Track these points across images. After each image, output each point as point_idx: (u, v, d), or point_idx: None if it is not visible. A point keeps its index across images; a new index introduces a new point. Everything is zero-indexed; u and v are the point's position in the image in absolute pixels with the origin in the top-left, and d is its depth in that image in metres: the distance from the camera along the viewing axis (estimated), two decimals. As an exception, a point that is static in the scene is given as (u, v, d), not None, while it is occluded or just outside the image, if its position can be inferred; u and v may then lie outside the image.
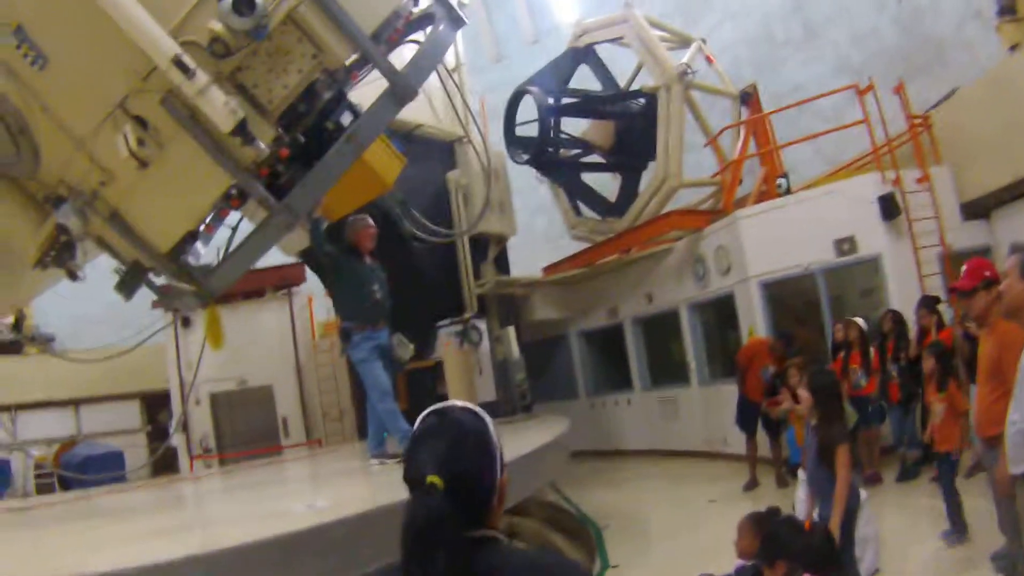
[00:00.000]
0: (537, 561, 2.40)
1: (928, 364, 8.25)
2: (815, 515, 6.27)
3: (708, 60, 16.99)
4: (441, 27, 7.67)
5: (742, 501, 10.94)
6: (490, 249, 15.43)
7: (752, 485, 12.03)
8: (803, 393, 7.28)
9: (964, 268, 5.73)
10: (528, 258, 18.76)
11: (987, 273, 5.47)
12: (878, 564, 7.19)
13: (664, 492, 13.48)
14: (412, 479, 2.15)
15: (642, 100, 16.36)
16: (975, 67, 14.93)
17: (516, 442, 8.47)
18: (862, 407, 10.57)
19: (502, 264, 16.01)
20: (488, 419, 2.29)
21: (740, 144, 15.79)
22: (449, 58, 10.81)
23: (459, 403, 2.35)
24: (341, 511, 5.50)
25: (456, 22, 7.84)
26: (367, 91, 7.71)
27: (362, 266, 8.89)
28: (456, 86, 10.73)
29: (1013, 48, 12.62)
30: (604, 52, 17.74)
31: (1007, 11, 13.33)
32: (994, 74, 13.35)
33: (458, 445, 2.21)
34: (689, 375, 15.81)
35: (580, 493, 12.02)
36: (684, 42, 16.92)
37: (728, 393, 13.52)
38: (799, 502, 7.17)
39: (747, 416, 12.47)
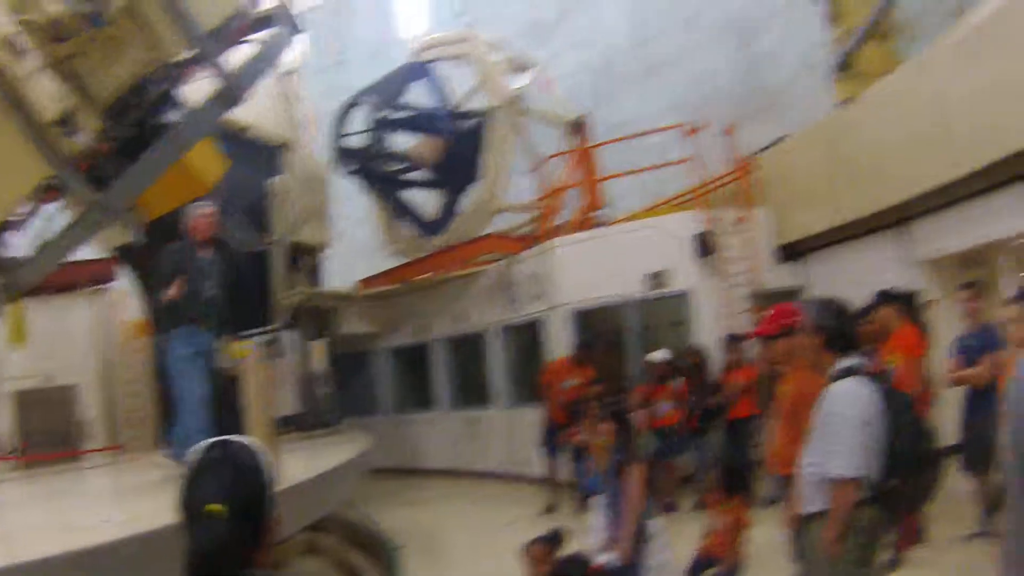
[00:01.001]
0: None
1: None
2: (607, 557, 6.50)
3: (546, 86, 17.42)
4: (278, 32, 7.74)
5: (540, 524, 11.27)
6: (304, 259, 15.50)
7: (551, 508, 12.42)
8: (604, 425, 7.59)
9: (769, 313, 6.09)
10: (347, 268, 18.97)
11: (787, 320, 5.72)
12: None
13: (464, 513, 13.75)
14: (192, 507, 2.22)
15: (473, 121, 16.66)
16: (806, 117, 15.77)
17: (317, 458, 8.53)
18: (664, 437, 11.35)
19: (316, 275, 16.05)
20: (266, 457, 2.41)
21: (564, 173, 16.41)
22: (287, 61, 10.81)
23: (241, 438, 2.45)
24: (136, 526, 5.41)
25: (294, 28, 7.93)
26: (198, 89, 7.72)
27: (193, 258, 8.46)
28: (289, 91, 10.73)
29: (845, 102, 13.42)
30: (443, 69, 17.88)
31: (843, 67, 14.16)
32: (823, 125, 14.19)
33: (243, 476, 2.30)
34: (494, 397, 16.21)
35: (381, 511, 12.14)
36: (523, 67, 17.37)
37: (531, 416, 13.93)
38: (594, 529, 7.37)
39: (551, 438, 12.81)
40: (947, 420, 8.76)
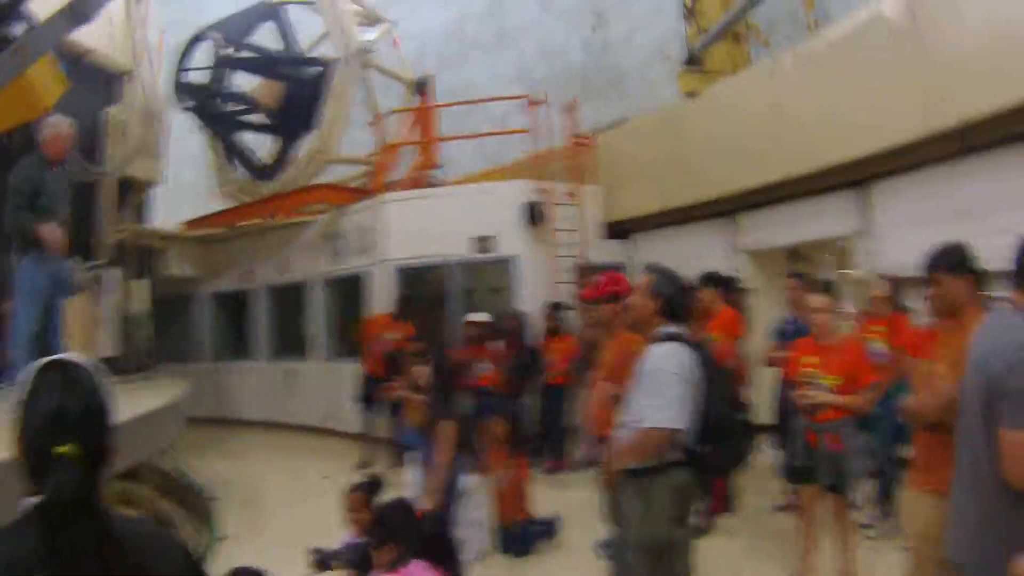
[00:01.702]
0: (136, 529, 2.29)
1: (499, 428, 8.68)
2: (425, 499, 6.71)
3: (394, 43, 17.48)
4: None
5: (356, 477, 11.39)
6: (132, 195, 15.13)
7: (367, 463, 12.51)
8: (420, 369, 7.79)
9: (599, 279, 6.43)
10: (173, 208, 18.51)
11: (615, 287, 6.13)
12: (485, 547, 7.95)
13: (280, 465, 13.68)
14: (40, 448, 2.05)
15: (317, 69, 16.54)
16: (650, 101, 16.26)
17: (132, 402, 8.39)
18: (481, 397, 11.27)
19: (143, 212, 15.79)
20: (102, 375, 2.25)
21: (402, 130, 16.58)
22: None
23: (77, 358, 2.25)
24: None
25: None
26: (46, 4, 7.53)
27: (48, 177, 8.06)
28: (137, 17, 10.43)
29: (689, 95, 13.85)
30: (294, 13, 17.74)
31: (693, 61, 14.62)
32: (664, 113, 14.78)
33: (88, 404, 2.14)
34: (313, 349, 16.21)
35: (197, 461, 12.06)
36: (374, 21, 17.40)
37: (349, 370, 14.02)
38: (409, 484, 7.67)
39: (368, 392, 12.90)
40: (761, 399, 9.50)
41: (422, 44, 20.74)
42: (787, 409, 8.29)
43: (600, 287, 6.24)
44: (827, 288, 7.12)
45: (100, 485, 2.11)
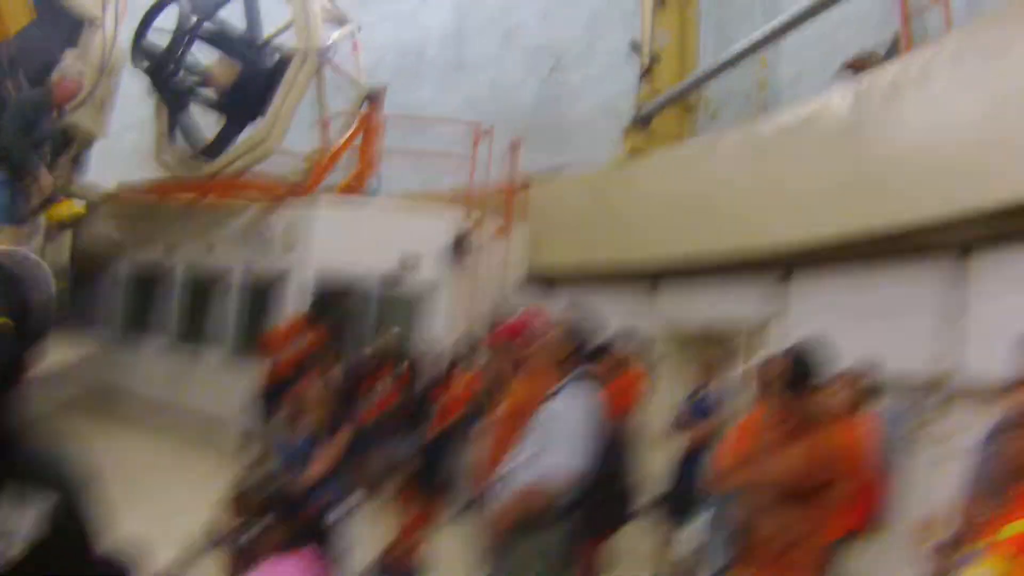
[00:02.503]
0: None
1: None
2: None
3: (354, 47, 17.55)
4: None
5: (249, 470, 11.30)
6: (71, 146, 14.81)
7: (262, 460, 12.21)
8: (330, 375, 7.83)
9: (513, 319, 6.38)
10: (107, 168, 17.87)
11: (530, 327, 6.01)
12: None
13: (174, 449, 13.74)
14: None
15: (276, 56, 16.54)
16: (593, 155, 16.50)
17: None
18: (378, 420, 11.22)
19: (79, 166, 15.56)
20: (46, 271, 2.29)
21: (348, 135, 16.52)
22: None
23: (21, 250, 2.30)
24: None
25: None
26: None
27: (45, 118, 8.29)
28: None
29: (632, 153, 14.14)
30: None
31: (641, 121, 14.92)
32: (603, 171, 15.12)
33: (28, 289, 2.17)
34: (221, 340, 16.01)
35: (86, 433, 11.92)
36: (340, 21, 17.45)
37: (254, 367, 13.51)
38: None
39: (270, 395, 12.38)
40: (660, 467, 9.67)
41: (381, 56, 20.79)
42: (689, 481, 8.63)
43: (515, 326, 6.19)
44: (850, 384, 7.30)
45: (27, 365, 2.16)
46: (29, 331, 2.14)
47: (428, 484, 7.36)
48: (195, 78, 16.99)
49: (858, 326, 9.66)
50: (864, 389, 7.27)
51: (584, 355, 5.20)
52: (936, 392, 8.81)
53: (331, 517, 5.43)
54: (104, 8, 11.44)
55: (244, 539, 4.73)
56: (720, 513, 6.63)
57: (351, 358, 12.08)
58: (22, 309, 2.12)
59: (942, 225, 8.59)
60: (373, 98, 17.26)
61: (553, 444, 4.78)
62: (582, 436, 4.75)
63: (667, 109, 15.31)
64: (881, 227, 9.30)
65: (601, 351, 5.37)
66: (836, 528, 6.47)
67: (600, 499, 4.93)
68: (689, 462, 9.18)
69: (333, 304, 13.93)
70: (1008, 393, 4.83)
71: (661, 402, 11.16)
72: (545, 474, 4.72)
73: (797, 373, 4.66)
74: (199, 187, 16.59)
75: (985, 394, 7.75)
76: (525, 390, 5.87)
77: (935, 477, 7.92)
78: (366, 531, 8.42)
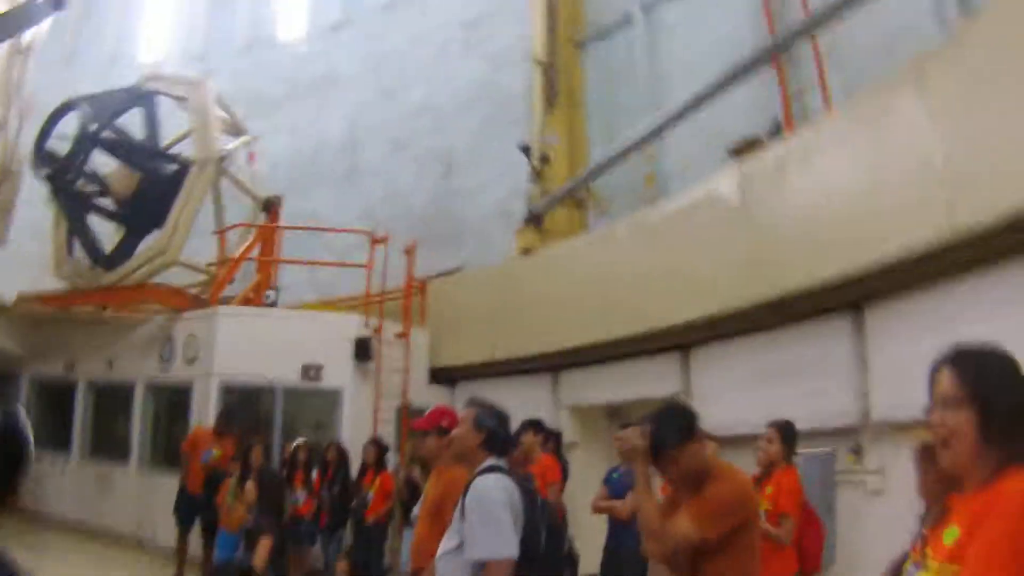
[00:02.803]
0: None
1: None
2: None
3: (250, 158, 17.73)
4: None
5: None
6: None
7: None
8: (250, 485, 7.87)
9: (428, 411, 6.48)
10: (5, 278, 17.80)
11: (444, 421, 6.06)
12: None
13: (86, 572, 13.15)
14: None
15: (174, 166, 16.56)
16: (488, 256, 16.83)
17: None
18: (296, 526, 11.30)
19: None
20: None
21: (246, 246, 16.62)
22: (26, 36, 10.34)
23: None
24: None
25: (58, 4, 7.59)
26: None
27: None
28: (16, 71, 10.26)
29: (525, 251, 14.50)
30: (164, 104, 17.67)
31: (533, 220, 15.31)
32: (499, 268, 15.47)
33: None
34: (130, 455, 15.73)
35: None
36: (237, 132, 17.65)
37: (166, 483, 13.66)
38: None
39: (186, 509, 12.63)
40: (585, 546, 9.85)
41: (276, 165, 20.91)
42: (622, 556, 8.84)
43: (429, 418, 6.27)
44: (712, 437, 7.40)
45: None
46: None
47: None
48: (94, 187, 16.88)
49: (766, 389, 10.12)
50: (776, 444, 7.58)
51: (494, 441, 5.13)
52: (851, 438, 9.30)
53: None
54: (8, 109, 11.26)
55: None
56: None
57: (269, 464, 12.05)
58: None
59: (834, 287, 9.06)
60: (269, 207, 17.42)
61: (481, 530, 4.72)
62: (510, 519, 4.71)
63: (558, 207, 15.74)
64: (775, 296, 9.73)
65: (510, 441, 5.41)
66: (779, 570, 6.87)
67: (539, 572, 4.84)
68: (614, 542, 9.28)
69: (240, 413, 13.68)
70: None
71: (576, 487, 11.45)
72: (489, 557, 4.67)
73: (658, 437, 4.70)
74: (99, 298, 16.43)
75: (895, 434, 8.28)
76: (439, 484, 6.04)
77: (862, 517, 8.27)
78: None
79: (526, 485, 5.04)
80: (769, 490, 7.15)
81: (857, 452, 9.32)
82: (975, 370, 2.51)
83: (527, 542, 4.76)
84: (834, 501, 9.26)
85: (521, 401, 13.03)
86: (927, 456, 3.67)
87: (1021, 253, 7.45)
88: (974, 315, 7.58)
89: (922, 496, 3.74)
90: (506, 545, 4.61)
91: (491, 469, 4.97)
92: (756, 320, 10.32)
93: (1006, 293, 7.54)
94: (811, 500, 8.85)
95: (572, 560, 4.91)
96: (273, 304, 15.47)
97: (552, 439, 10.64)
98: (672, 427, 4.59)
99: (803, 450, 9.39)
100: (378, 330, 14.30)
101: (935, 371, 2.61)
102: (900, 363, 8.17)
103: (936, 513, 2.64)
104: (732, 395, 10.66)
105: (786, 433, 7.36)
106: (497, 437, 5.16)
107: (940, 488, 3.46)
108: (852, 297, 9.24)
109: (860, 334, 9.29)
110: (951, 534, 2.45)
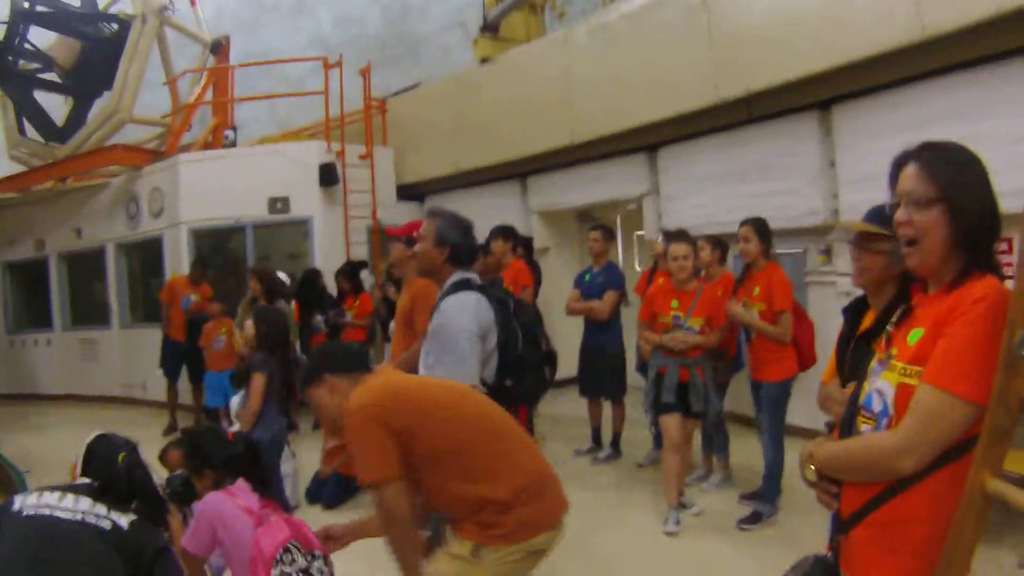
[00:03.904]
0: None
1: None
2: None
3: (192, 3, 17.12)
4: None
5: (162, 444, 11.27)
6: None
7: (172, 429, 12.41)
8: (248, 325, 7.89)
9: (404, 224, 6.71)
10: None
11: (415, 232, 6.01)
12: (297, 500, 8.32)
13: (85, 439, 13.26)
14: None
15: (115, 25, 16.11)
16: (445, 68, 16.55)
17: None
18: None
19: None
20: None
21: (198, 91, 16.33)
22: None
23: None
24: None
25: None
26: None
27: None
28: None
29: (484, 61, 14.19)
30: None
31: (489, 28, 14.91)
32: (458, 78, 15.10)
33: None
34: (111, 317, 15.82)
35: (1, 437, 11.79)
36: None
37: (150, 337, 13.86)
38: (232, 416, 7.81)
39: (171, 358, 12.84)
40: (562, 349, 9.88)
41: (220, 6, 20.42)
42: (598, 356, 9.25)
43: (404, 229, 6.43)
44: (686, 237, 7.56)
45: None
46: None
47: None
48: (37, 63, 16.56)
49: (734, 188, 10.13)
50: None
51: (459, 255, 5.10)
52: (821, 239, 9.28)
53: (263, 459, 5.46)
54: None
55: (182, 483, 4.80)
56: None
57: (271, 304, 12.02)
58: None
59: (801, 85, 9.02)
60: (217, 49, 17.02)
61: (443, 358, 4.81)
62: (471, 346, 4.77)
63: (515, 12, 15.29)
64: (742, 94, 9.67)
65: (475, 251, 5.33)
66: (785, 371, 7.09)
67: (515, 377, 4.99)
68: (591, 342, 9.55)
69: (213, 258, 14.01)
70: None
71: (551, 290, 11.74)
72: None
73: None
74: (58, 171, 16.17)
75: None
76: (407, 295, 6.24)
77: (833, 318, 8.37)
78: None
79: (497, 294, 5.06)
80: (757, 290, 7.21)
81: (827, 253, 9.31)
82: (946, 169, 2.43)
83: (504, 349, 4.89)
84: (805, 301, 9.33)
85: (490, 209, 13.38)
86: (861, 245, 3.70)
87: (989, 57, 7.50)
88: (944, 116, 7.60)
89: (858, 285, 3.75)
90: (465, 375, 4.64)
91: (459, 285, 4.98)
92: (723, 119, 10.22)
93: (975, 96, 7.58)
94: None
95: (551, 358, 4.90)
96: (233, 144, 15.30)
97: (522, 245, 10.69)
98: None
99: (774, 251, 9.52)
100: (340, 154, 14.07)
101: (899, 165, 2.54)
102: (869, 164, 8.14)
103: (901, 312, 2.60)
104: (700, 194, 10.66)
105: (761, 230, 7.30)
106: (462, 250, 5.12)
107: (877, 278, 3.64)
108: (820, 96, 9.16)
109: (828, 134, 9.24)
110: (915, 335, 2.43)
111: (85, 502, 3.36)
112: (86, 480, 3.64)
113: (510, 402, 4.88)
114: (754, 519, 7.09)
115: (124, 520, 3.38)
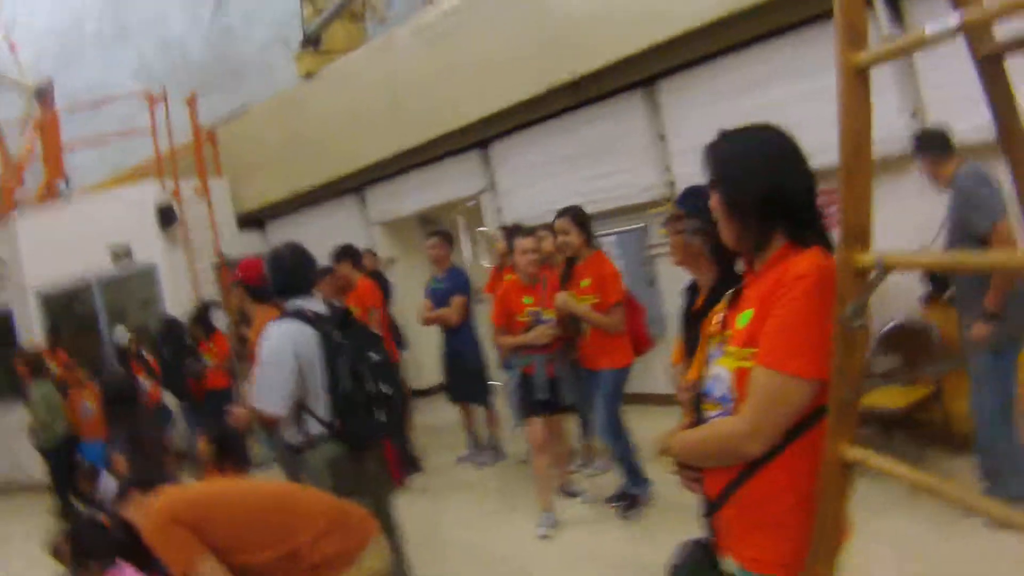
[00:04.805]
0: None
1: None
2: None
3: (11, 48, 16.54)
4: None
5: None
6: None
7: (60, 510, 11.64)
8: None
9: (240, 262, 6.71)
10: None
11: (242, 273, 6.42)
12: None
13: None
14: None
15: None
16: (271, 88, 16.27)
17: None
18: (153, 413, 10.91)
19: None
20: None
21: (27, 143, 15.68)
22: None
23: None
24: None
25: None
26: None
27: None
28: None
29: (308, 76, 14.01)
30: None
31: (311, 42, 14.72)
32: (284, 96, 14.87)
33: None
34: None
35: None
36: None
37: (17, 415, 12.56)
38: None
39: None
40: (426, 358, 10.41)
41: (39, 46, 19.75)
42: (460, 362, 9.16)
43: (233, 274, 6.54)
44: (529, 231, 7.41)
45: None
46: None
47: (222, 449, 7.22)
48: None
49: (570, 173, 10.19)
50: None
51: (285, 284, 5.24)
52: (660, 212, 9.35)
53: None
54: None
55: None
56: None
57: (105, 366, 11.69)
58: None
59: (627, 64, 9.09)
60: (42, 94, 16.44)
61: (259, 387, 5.01)
62: (282, 376, 4.89)
63: (335, 23, 15.15)
64: (568, 79, 9.67)
65: (302, 270, 5.34)
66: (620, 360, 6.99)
67: (343, 416, 5.01)
68: (448, 347, 9.46)
69: (65, 322, 13.42)
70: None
71: (404, 299, 11.73)
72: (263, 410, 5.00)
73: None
74: None
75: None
76: (257, 329, 6.09)
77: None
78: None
79: (326, 328, 5.08)
80: (586, 282, 6.92)
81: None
82: (718, 156, 2.59)
83: (331, 389, 4.97)
84: (655, 274, 9.42)
85: (331, 226, 13.41)
86: (667, 225, 3.95)
87: (791, 25, 7.83)
88: (756, 83, 8.06)
89: (675, 264, 3.91)
90: (268, 402, 4.95)
91: (290, 314, 5.10)
92: (554, 105, 10.22)
93: (781, 63, 7.96)
94: (631, 276, 9.06)
95: (382, 399, 4.92)
96: (67, 194, 14.73)
97: (361, 260, 10.35)
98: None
99: (615, 229, 9.63)
100: (175, 192, 13.63)
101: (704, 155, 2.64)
102: (696, 134, 8.16)
103: (733, 294, 2.66)
104: (537, 184, 10.67)
105: (579, 218, 7.02)
106: (285, 279, 5.26)
107: (685, 257, 3.83)
108: (645, 74, 9.25)
109: (655, 109, 9.38)
110: (745, 316, 2.47)
111: None
112: None
113: (351, 441, 5.06)
114: (630, 504, 7.03)
115: None
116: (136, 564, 4.34)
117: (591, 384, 7.14)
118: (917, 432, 6.93)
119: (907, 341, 7.06)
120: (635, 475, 7.06)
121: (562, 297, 6.85)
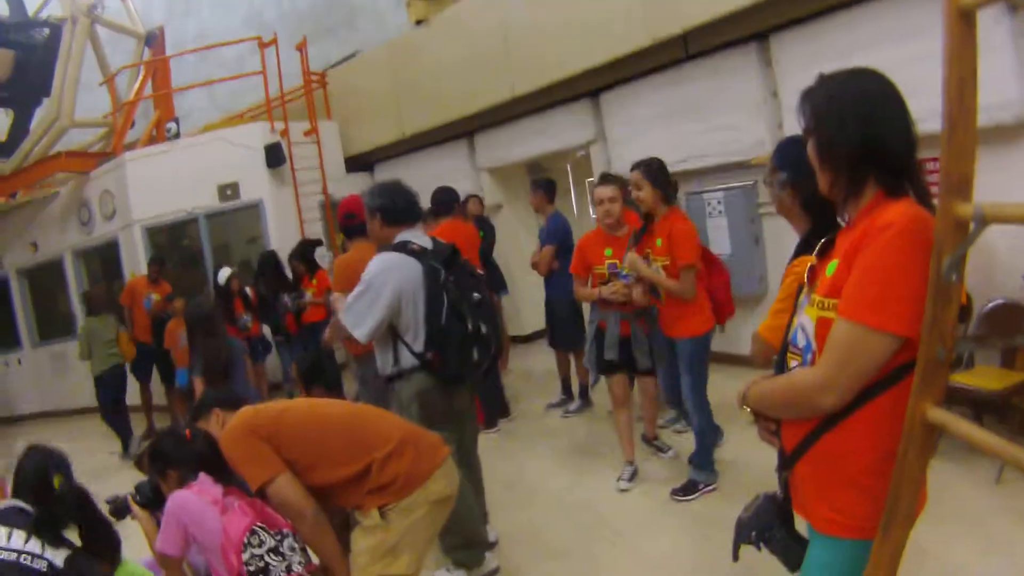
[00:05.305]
0: None
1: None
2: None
3: (121, -3, 16.80)
4: None
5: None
6: None
7: (151, 433, 12.07)
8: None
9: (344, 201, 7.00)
10: None
11: (350, 210, 6.73)
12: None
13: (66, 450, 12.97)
14: None
15: (46, 31, 15.85)
16: (383, 35, 16.29)
17: None
18: (252, 346, 11.28)
19: None
20: None
21: (136, 85, 16.01)
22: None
23: None
24: None
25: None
26: None
27: None
28: None
29: (419, 23, 13.99)
30: None
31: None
32: (395, 43, 14.85)
33: None
34: (76, 327, 15.08)
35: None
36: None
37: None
38: None
39: (140, 361, 12.49)
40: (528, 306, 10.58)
41: (150, -4, 19.99)
42: (559, 307, 9.15)
43: (338, 213, 6.85)
44: (614, 179, 6.95)
45: None
46: None
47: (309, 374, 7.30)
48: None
49: (680, 126, 10.07)
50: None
51: (392, 218, 5.30)
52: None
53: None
54: None
55: (151, 489, 4.76)
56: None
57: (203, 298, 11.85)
58: None
59: (737, 17, 8.85)
60: (152, 42, 16.75)
61: (349, 308, 5.07)
62: (372, 300, 4.97)
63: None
64: (678, 31, 9.49)
65: (408, 205, 5.33)
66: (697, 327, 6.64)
67: (439, 350, 5.03)
68: (546, 293, 9.55)
69: (170, 254, 13.80)
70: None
71: (509, 246, 11.85)
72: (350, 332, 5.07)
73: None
74: (6, 187, 15.82)
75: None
76: (355, 255, 6.42)
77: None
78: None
79: (429, 263, 5.09)
80: (660, 241, 6.53)
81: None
82: (815, 101, 2.51)
83: (428, 321, 5.02)
84: (761, 232, 9.23)
85: (440, 170, 13.47)
86: (765, 179, 3.73)
87: None
88: (874, 40, 7.54)
89: (780, 213, 3.72)
90: (354, 323, 5.04)
91: (395, 246, 5.18)
92: (662, 58, 10.08)
93: (903, 19, 7.44)
94: (738, 233, 8.86)
95: (480, 339, 4.89)
96: (177, 135, 14.97)
97: (474, 204, 10.92)
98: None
99: (723, 185, 9.47)
100: (284, 132, 13.94)
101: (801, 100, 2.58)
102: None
103: (824, 244, 2.61)
104: (647, 136, 10.50)
105: (653, 172, 6.54)
106: (389, 210, 5.34)
107: (781, 208, 3.65)
108: (757, 27, 9.01)
109: (767, 64, 9.15)
110: (832, 267, 2.42)
111: (19, 539, 3.46)
112: (18, 504, 3.75)
113: (443, 376, 5.11)
114: (690, 489, 6.64)
115: (59, 558, 3.51)
116: (215, 477, 4.42)
117: (672, 351, 6.88)
118: (1012, 418, 6.57)
119: (1010, 320, 6.76)
120: (705, 458, 6.71)
121: (631, 257, 6.47)
